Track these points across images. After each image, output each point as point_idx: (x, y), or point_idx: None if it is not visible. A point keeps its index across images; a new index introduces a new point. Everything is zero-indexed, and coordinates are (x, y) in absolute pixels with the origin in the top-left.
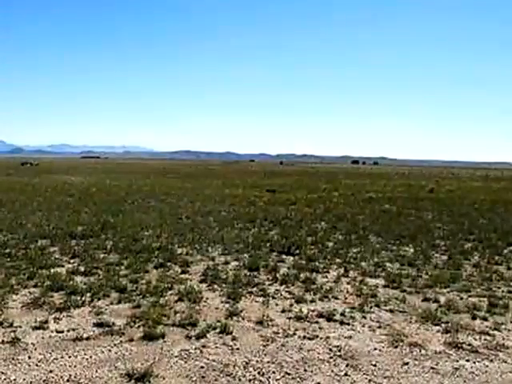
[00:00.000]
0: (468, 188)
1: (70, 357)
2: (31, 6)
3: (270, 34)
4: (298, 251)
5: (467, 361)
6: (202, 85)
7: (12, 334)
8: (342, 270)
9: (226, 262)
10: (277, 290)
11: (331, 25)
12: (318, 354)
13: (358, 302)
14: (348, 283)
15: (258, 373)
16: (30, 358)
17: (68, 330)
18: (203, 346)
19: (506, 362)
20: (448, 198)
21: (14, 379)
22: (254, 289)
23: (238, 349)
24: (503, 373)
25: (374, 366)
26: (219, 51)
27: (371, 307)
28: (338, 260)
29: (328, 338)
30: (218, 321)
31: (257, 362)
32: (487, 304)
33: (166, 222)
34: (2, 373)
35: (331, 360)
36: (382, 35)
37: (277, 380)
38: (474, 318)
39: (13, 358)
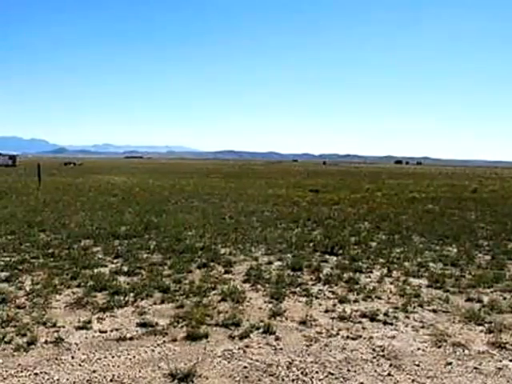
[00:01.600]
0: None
1: (113, 357)
2: (69, 6)
3: (310, 33)
4: (341, 251)
5: (510, 361)
6: (245, 84)
7: (55, 334)
8: (385, 270)
9: (270, 262)
10: (320, 289)
11: (369, 24)
12: (361, 353)
13: (401, 302)
14: (391, 283)
15: (301, 373)
16: (73, 358)
17: (111, 330)
18: (246, 346)
19: None
20: (491, 197)
21: (58, 379)
22: (298, 289)
23: (281, 349)
24: None
25: (417, 365)
26: (261, 50)
27: (414, 307)
28: (381, 260)
29: (371, 337)
30: (262, 321)
31: (300, 361)
32: None
33: (210, 222)
34: (46, 373)
35: (374, 360)
36: (418, 35)
37: (320, 380)
38: None
39: (56, 358)
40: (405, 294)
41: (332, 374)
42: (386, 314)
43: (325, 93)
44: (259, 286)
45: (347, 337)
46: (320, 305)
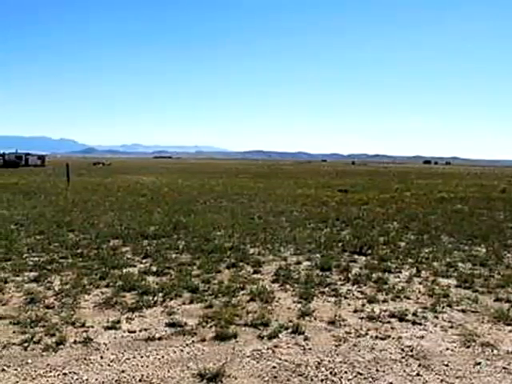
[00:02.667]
0: None
1: (142, 357)
2: (96, 6)
3: (336, 33)
4: (370, 251)
5: None
6: (274, 85)
7: (84, 334)
8: (414, 270)
9: (298, 262)
10: (349, 289)
11: (398, 25)
12: (390, 353)
13: (430, 302)
14: (420, 283)
15: (330, 373)
16: (102, 358)
17: (140, 330)
18: (275, 346)
19: None
20: None
21: (86, 379)
22: (326, 289)
23: (310, 349)
24: None
25: (446, 365)
26: (289, 50)
27: (443, 307)
28: (410, 260)
29: (400, 337)
30: (290, 321)
31: (329, 361)
32: None
33: (238, 222)
34: (75, 373)
35: (403, 360)
36: (448, 34)
37: (349, 380)
38: None
39: (85, 358)
40: (434, 294)
41: (361, 374)
42: (414, 314)
43: (355, 93)
44: (288, 286)
45: (376, 337)
46: (349, 305)
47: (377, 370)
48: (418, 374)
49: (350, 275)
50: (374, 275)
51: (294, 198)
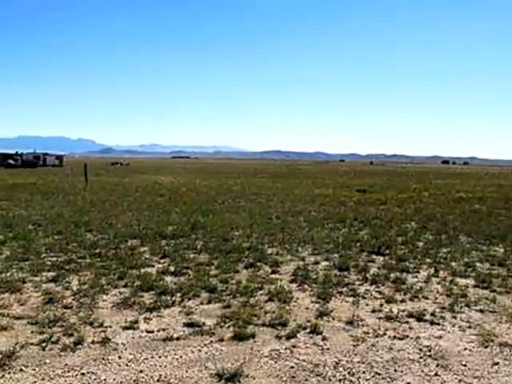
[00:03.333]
0: None
1: (160, 357)
2: (118, 6)
3: (357, 33)
4: (388, 251)
5: None
6: (291, 85)
7: (102, 334)
8: (432, 270)
9: (316, 262)
10: (367, 289)
11: (416, 24)
12: (408, 353)
13: (448, 302)
14: (438, 283)
15: (348, 373)
16: (120, 357)
17: (158, 330)
18: (293, 346)
19: None
20: None
21: (104, 379)
22: (344, 289)
23: (328, 349)
24: None
25: (464, 365)
26: (309, 50)
27: (461, 307)
28: (428, 260)
29: (418, 337)
30: (308, 321)
31: (347, 361)
32: None
33: (256, 222)
34: (93, 373)
35: (421, 360)
36: (470, 32)
37: (367, 380)
38: None
39: (103, 358)
40: (452, 293)
41: (379, 374)
42: (432, 314)
43: (372, 93)
44: (306, 286)
45: (394, 337)
46: (367, 305)
47: (395, 370)
48: (436, 374)
49: (368, 275)
50: (392, 275)
51: (312, 198)
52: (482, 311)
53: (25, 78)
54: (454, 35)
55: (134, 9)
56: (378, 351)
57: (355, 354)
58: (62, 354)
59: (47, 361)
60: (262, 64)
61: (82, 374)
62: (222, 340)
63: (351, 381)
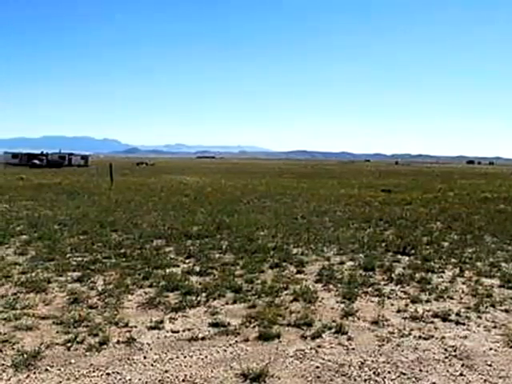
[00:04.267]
0: None
1: (185, 357)
2: (144, 6)
3: (378, 33)
4: (413, 251)
5: None
6: (316, 85)
7: (127, 334)
8: (457, 270)
9: (342, 262)
10: (392, 289)
11: (441, 23)
12: (434, 353)
13: (473, 302)
14: (463, 283)
15: (374, 373)
16: (145, 358)
17: (183, 330)
18: (318, 346)
19: None
20: None
21: (130, 379)
22: (370, 289)
23: (353, 349)
24: None
25: (490, 365)
26: (335, 50)
27: (486, 307)
28: (453, 260)
29: (443, 337)
30: (334, 321)
31: (372, 361)
32: None
33: (282, 222)
34: (118, 373)
35: (446, 360)
36: (495, 33)
37: (392, 380)
38: None
39: (128, 358)
40: (477, 293)
41: (404, 374)
42: (458, 314)
43: (397, 93)
44: (331, 286)
45: (419, 337)
46: (392, 305)
47: (420, 370)
48: (461, 374)
49: (393, 275)
50: (417, 275)
51: (337, 198)
52: (507, 311)
53: (50, 79)
54: (478, 35)
55: (159, 9)
56: (403, 351)
57: (380, 354)
58: (87, 354)
59: (72, 361)
60: (288, 64)
61: (107, 374)
62: (247, 340)
63: (376, 381)
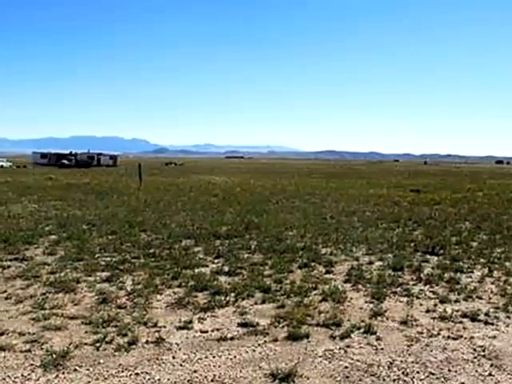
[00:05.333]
0: None
1: (214, 357)
2: (172, 6)
3: (411, 32)
4: (442, 251)
5: None
6: (344, 85)
7: (156, 334)
8: (486, 270)
9: (370, 262)
10: (421, 289)
11: (471, 23)
12: (462, 353)
13: (502, 302)
14: (492, 283)
15: (402, 373)
16: (174, 357)
17: (212, 330)
18: (347, 346)
19: None
20: None
21: (159, 379)
22: (398, 289)
23: (382, 349)
24: None
25: None
26: (364, 50)
27: None
28: (482, 260)
29: (472, 338)
30: (363, 321)
31: (401, 361)
32: None
33: (310, 222)
34: (147, 373)
35: (475, 360)
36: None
37: (421, 380)
38: None
39: (157, 358)
40: (506, 293)
41: (433, 374)
42: (487, 314)
43: (426, 93)
44: (360, 286)
45: (448, 337)
46: (421, 305)
47: (449, 370)
48: (490, 374)
49: (422, 275)
50: (446, 275)
51: (366, 198)
52: None
53: (79, 79)
54: (508, 35)
55: (186, 9)
56: (432, 351)
57: (409, 354)
58: (116, 354)
59: (101, 361)
60: (315, 63)
61: (136, 374)
62: (276, 340)
63: (405, 381)
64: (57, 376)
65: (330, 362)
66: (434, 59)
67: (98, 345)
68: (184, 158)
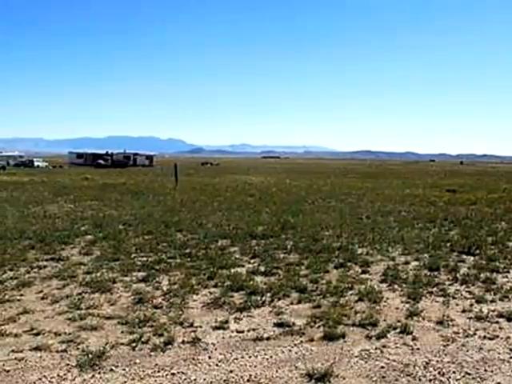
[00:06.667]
0: None
1: (250, 357)
2: (209, 7)
3: (444, 34)
4: (478, 251)
5: None
6: (380, 85)
7: (192, 334)
8: None
9: (407, 262)
10: (457, 289)
11: (505, 24)
12: (499, 353)
13: None
14: None
15: (439, 373)
16: (210, 358)
17: (248, 330)
18: (383, 346)
19: None
20: None
21: (195, 379)
22: (435, 289)
23: (418, 349)
24: None
25: None
26: (399, 50)
27: None
28: None
29: (508, 337)
30: (399, 321)
31: (437, 361)
32: None
33: (346, 222)
34: (183, 373)
35: (511, 360)
36: None
37: (457, 380)
38: None
39: (193, 358)
40: None
41: (469, 374)
42: None
43: (461, 93)
44: (396, 286)
45: (484, 337)
46: (457, 305)
47: (485, 370)
48: None
49: (458, 275)
50: (482, 275)
51: (402, 198)
52: None
53: (115, 79)
54: None
55: (222, 9)
56: (468, 351)
57: (445, 354)
58: (152, 354)
59: (137, 361)
60: (352, 64)
61: (172, 374)
62: (312, 340)
63: (441, 381)
64: (93, 376)
65: (366, 362)
66: (471, 60)
67: (134, 345)
68: (220, 158)
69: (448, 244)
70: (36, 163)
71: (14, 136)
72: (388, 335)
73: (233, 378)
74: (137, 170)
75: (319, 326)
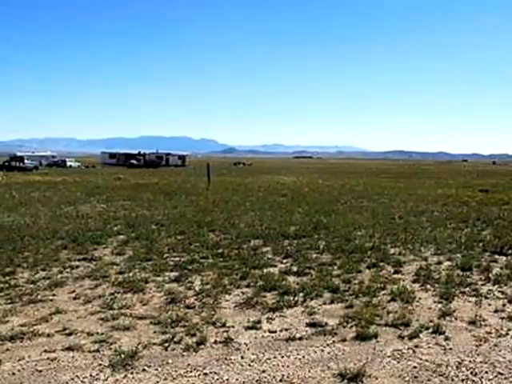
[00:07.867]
0: None
1: (282, 357)
2: (236, 6)
3: (475, 32)
4: (510, 251)
5: None
6: (413, 85)
7: (225, 334)
8: None
9: (439, 262)
10: (489, 289)
11: None
12: None
13: None
14: None
15: (471, 373)
16: (242, 358)
17: (281, 330)
18: (416, 346)
19: None
20: None
21: (227, 379)
22: (467, 289)
23: (450, 349)
24: None
25: None
26: (427, 49)
27: None
28: None
29: None
30: (431, 321)
31: (469, 361)
32: None
33: (379, 222)
34: (215, 373)
35: None
36: None
37: (489, 380)
38: None
39: (225, 358)
40: None
41: (501, 374)
42: None
43: (494, 92)
44: (429, 286)
45: None
46: (489, 305)
47: None
48: None
49: (490, 275)
50: None
51: (434, 198)
52: None
53: (148, 79)
54: None
55: (250, 8)
56: (500, 351)
57: (478, 354)
58: (184, 354)
59: (170, 361)
60: (382, 63)
61: (205, 374)
62: (344, 340)
63: (474, 381)
64: (125, 376)
65: (398, 362)
66: (506, 59)
67: (166, 345)
68: (252, 158)
69: (480, 244)
70: (68, 163)
71: (46, 136)
72: (420, 335)
73: (265, 378)
74: (169, 170)
75: (352, 326)
